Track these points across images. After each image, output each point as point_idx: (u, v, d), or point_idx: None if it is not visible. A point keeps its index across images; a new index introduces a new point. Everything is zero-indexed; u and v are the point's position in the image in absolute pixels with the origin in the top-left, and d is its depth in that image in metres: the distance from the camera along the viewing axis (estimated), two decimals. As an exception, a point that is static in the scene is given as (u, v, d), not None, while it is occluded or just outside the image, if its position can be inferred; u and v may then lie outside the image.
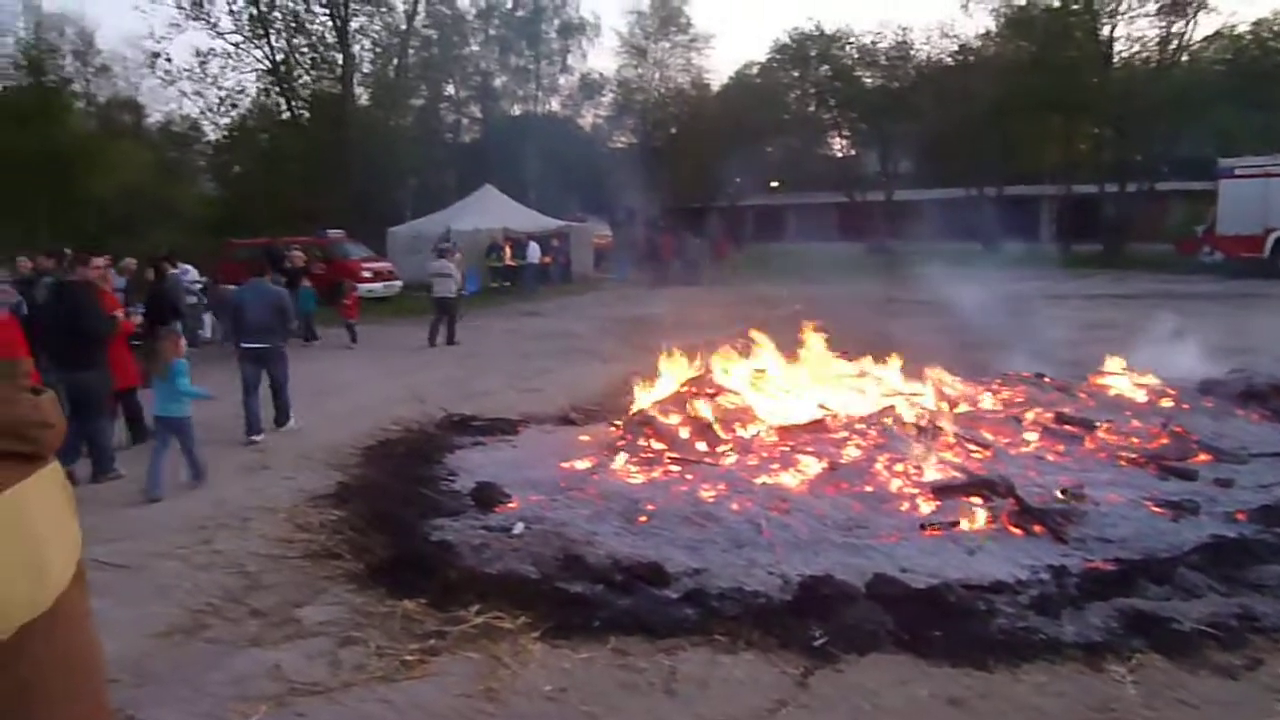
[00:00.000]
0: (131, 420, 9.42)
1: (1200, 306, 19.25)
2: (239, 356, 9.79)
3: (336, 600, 5.23)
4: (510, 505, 6.68)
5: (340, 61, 33.42)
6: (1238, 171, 26.67)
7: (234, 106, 34.29)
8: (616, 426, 8.33)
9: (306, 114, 34.33)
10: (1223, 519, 6.03)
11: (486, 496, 6.78)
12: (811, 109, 50.06)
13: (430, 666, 4.39)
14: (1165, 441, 7.69)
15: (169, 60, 33.12)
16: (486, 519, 6.44)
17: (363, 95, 36.79)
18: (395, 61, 36.94)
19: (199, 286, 17.87)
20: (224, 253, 23.70)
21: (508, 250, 28.18)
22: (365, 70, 36.50)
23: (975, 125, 37.17)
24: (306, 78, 33.94)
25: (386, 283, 24.24)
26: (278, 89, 33.56)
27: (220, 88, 33.12)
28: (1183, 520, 5.99)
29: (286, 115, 34.51)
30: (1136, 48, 37.27)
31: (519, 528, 6.14)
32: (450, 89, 45.96)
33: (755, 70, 51.54)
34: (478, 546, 5.86)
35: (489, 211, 29.88)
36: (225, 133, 38.11)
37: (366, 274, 23.25)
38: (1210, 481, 6.77)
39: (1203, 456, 7.37)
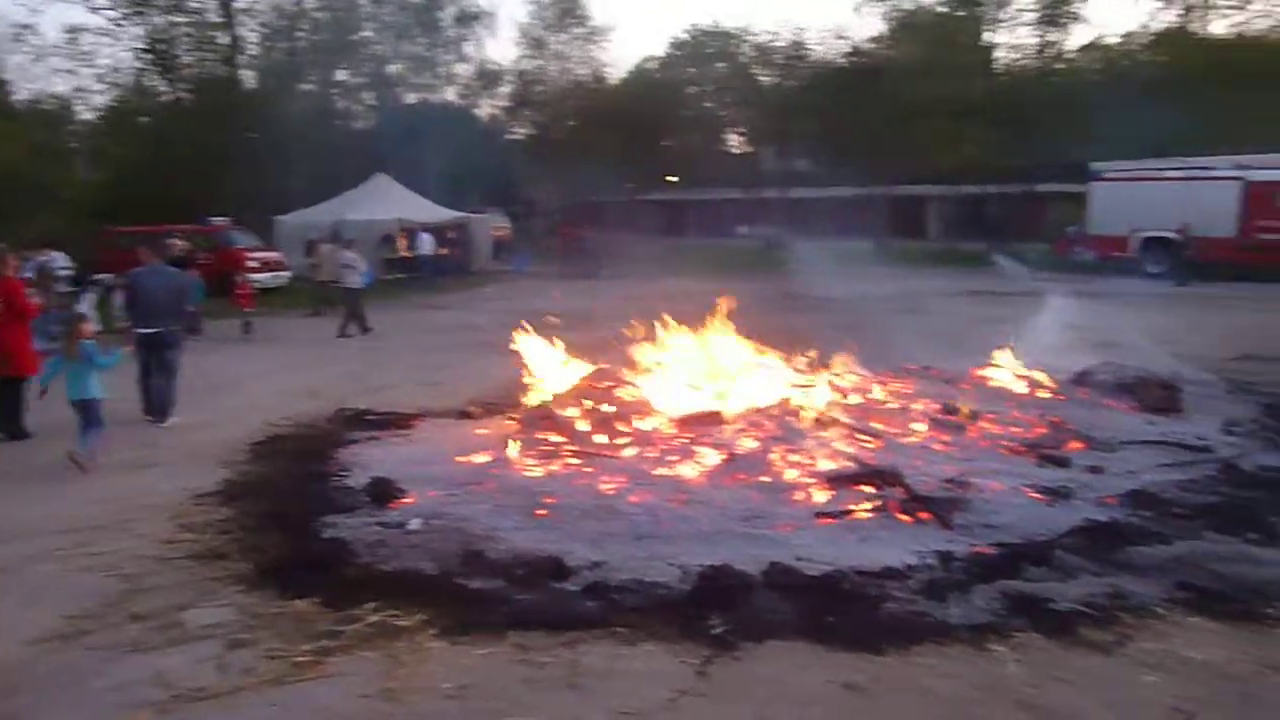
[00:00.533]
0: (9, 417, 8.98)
1: (1073, 303, 20.24)
2: (135, 342, 9.51)
3: (224, 602, 5.05)
4: (407, 501, 6.56)
5: (226, 43, 32.14)
6: (1108, 175, 28.10)
7: (114, 86, 32.65)
8: (516, 420, 8.27)
9: (190, 97, 32.91)
10: (1095, 504, 6.35)
11: (382, 492, 6.63)
12: (710, 105, 50.62)
13: (325, 667, 4.28)
14: (1043, 431, 8.06)
15: (38, 35, 31.34)
16: (382, 515, 6.30)
17: (250, 79, 35.50)
18: (285, 45, 35.74)
19: (68, 273, 17.01)
20: (103, 239, 22.58)
21: (402, 241, 27.62)
22: (253, 53, 35.23)
23: (868, 126, 38.17)
24: (189, 59, 32.53)
25: (274, 273, 23.48)
26: (158, 70, 32.06)
27: (94, 66, 31.49)
28: (1059, 505, 6.29)
29: (169, 98, 33.02)
30: (1018, 55, 39.00)
31: (416, 523, 6.04)
32: (343, 75, 44.70)
33: (654, 65, 51.80)
34: (373, 544, 5.73)
35: (383, 201, 29.20)
36: (102, 114, 36.26)
37: (253, 264, 22.44)
38: (1084, 468, 7.13)
39: (1076, 445, 7.74)
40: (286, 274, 23.83)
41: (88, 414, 8.02)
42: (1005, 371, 9.82)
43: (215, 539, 5.99)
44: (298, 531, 6.01)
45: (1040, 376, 9.65)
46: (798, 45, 45.97)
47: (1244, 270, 24.69)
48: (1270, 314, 17.91)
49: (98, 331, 9.63)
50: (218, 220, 24.45)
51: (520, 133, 52.52)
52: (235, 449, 8.39)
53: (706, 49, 48.49)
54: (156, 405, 9.59)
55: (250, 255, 23.00)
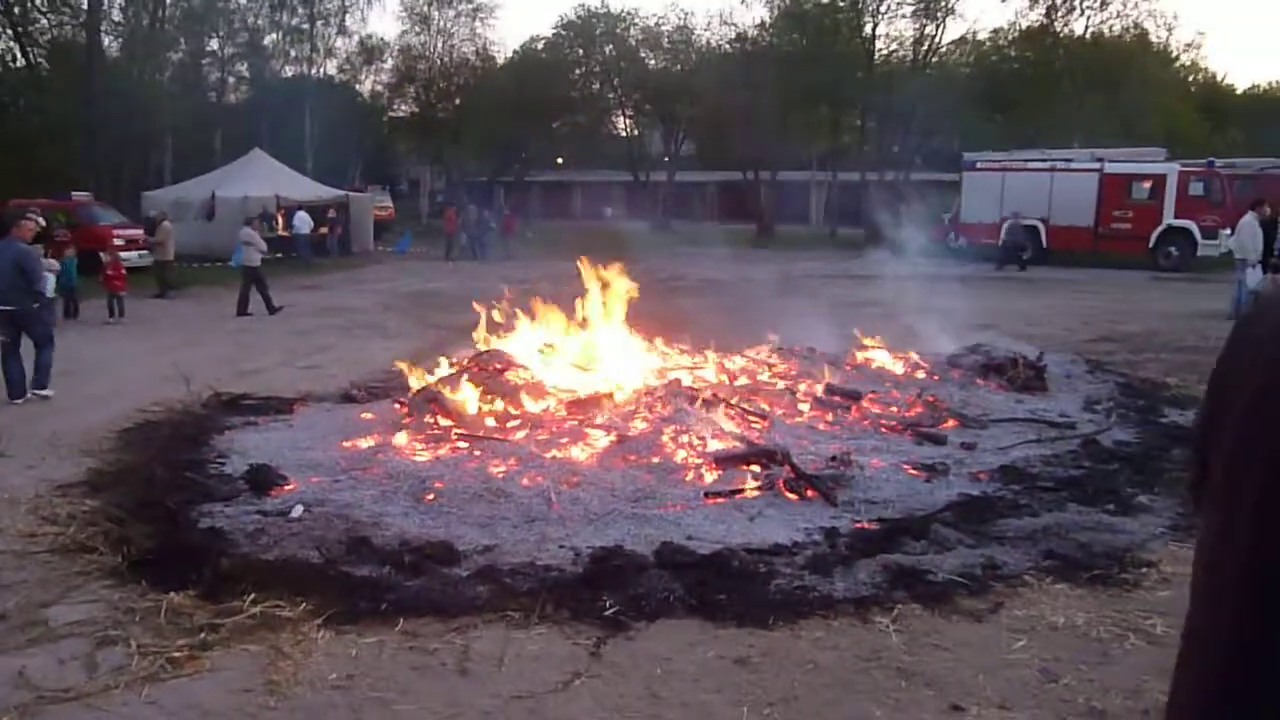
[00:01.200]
0: None
1: (947, 287, 21.09)
2: None
3: (91, 597, 4.78)
4: (288, 488, 6.35)
5: (84, 6, 30.20)
6: (979, 165, 29.34)
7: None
8: (402, 404, 8.09)
9: (45, 63, 30.83)
10: (969, 479, 6.65)
11: (261, 479, 6.40)
12: (597, 87, 50.46)
13: (202, 662, 4.10)
14: (920, 410, 8.38)
15: None
16: (262, 503, 6.08)
17: (113, 46, 33.49)
18: (151, 10, 33.80)
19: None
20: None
21: (279, 219, 26.63)
22: (115, 18, 33.24)
23: (753, 112, 38.76)
24: (44, 21, 30.46)
25: (141, 251, 22.27)
26: (9, 33, 29.92)
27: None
28: (935, 481, 6.56)
29: (22, 64, 30.85)
30: (895, 46, 40.24)
31: (298, 511, 5.85)
32: (214, 44, 42.66)
33: (541, 45, 51.27)
34: (253, 533, 5.52)
35: (259, 177, 28.09)
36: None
37: (119, 241, 21.20)
38: (958, 445, 7.45)
39: (951, 423, 8.08)
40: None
41: None
42: (884, 353, 10.15)
43: (80, 531, 5.66)
44: (171, 522, 5.73)
45: (917, 358, 10.03)
46: (684, 29, 46.32)
47: (1100, 258, 26.22)
48: (1124, 299, 19.06)
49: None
50: (79, 195, 23.03)
51: (404, 110, 51.25)
52: (101, 437, 7.94)
53: (594, 30, 48.25)
54: (16, 382, 9.35)
55: (116, 233, 21.74)
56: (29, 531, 5.71)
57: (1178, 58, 43.80)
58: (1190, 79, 47.71)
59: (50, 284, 13.91)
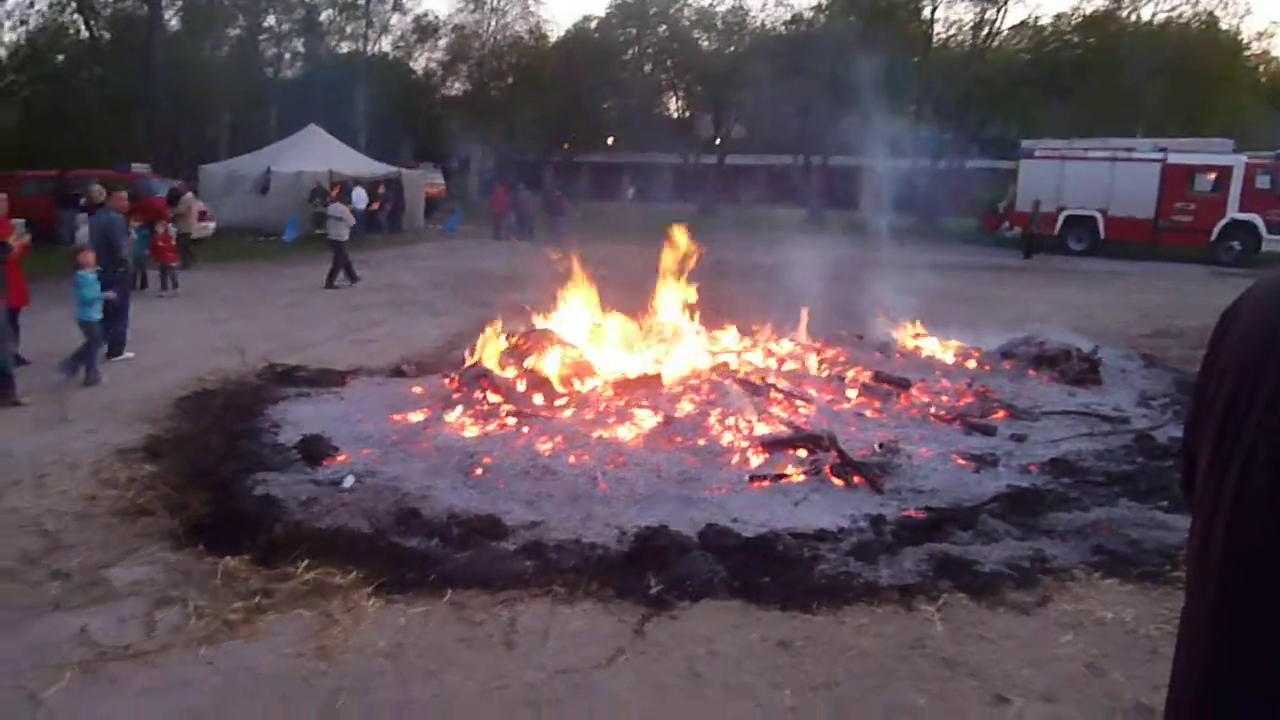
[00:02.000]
0: None
1: (999, 277, 20.76)
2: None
3: (150, 560, 4.93)
4: (340, 459, 6.46)
5: (147, -19, 30.76)
6: (1037, 153, 28.74)
7: (23, 23, 30.99)
8: (451, 379, 8.18)
9: (107, 37, 31.44)
10: (1018, 470, 6.57)
11: (314, 450, 6.52)
12: (648, 68, 50.21)
13: (256, 626, 4.21)
14: (970, 400, 8.28)
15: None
16: (314, 473, 6.20)
17: (173, 20, 34.06)
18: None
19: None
20: (6, 185, 21.49)
21: (334, 195, 26.92)
22: (175, -6, 33.80)
23: (806, 95, 38.32)
24: (107, -4, 31.09)
25: (200, 223, 22.68)
26: (74, 6, 30.54)
27: (3, 1, 29.87)
28: (984, 472, 6.49)
29: (85, 37, 31.50)
30: (954, 30, 39.49)
31: (349, 482, 5.95)
32: (271, 20, 43.18)
33: (594, 25, 51.10)
34: (305, 501, 5.63)
35: (313, 153, 28.40)
36: (12, 52, 34.43)
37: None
38: (1007, 437, 7.35)
39: (1001, 414, 7.98)
40: (211, 225, 23.03)
41: (85, 333, 9.00)
42: (934, 341, 10.04)
43: (140, 495, 5.83)
44: (227, 488, 5.88)
45: (967, 347, 9.90)
46: (739, 10, 45.85)
47: (1158, 250, 25.60)
48: (1181, 294, 18.61)
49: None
50: (138, 167, 23.50)
51: (456, 89, 51.49)
52: (158, 405, 8.14)
53: (648, 10, 47.96)
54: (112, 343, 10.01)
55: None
56: (90, 494, 5.88)
57: (1248, 46, 42.49)
58: (1261, 69, 46.25)
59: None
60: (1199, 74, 35.23)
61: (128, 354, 10.17)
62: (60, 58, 33.53)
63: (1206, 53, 36.14)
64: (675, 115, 51.57)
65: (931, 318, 10.79)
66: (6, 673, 3.81)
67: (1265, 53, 45.65)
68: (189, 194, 19.46)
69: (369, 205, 27.53)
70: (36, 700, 3.62)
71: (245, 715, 3.56)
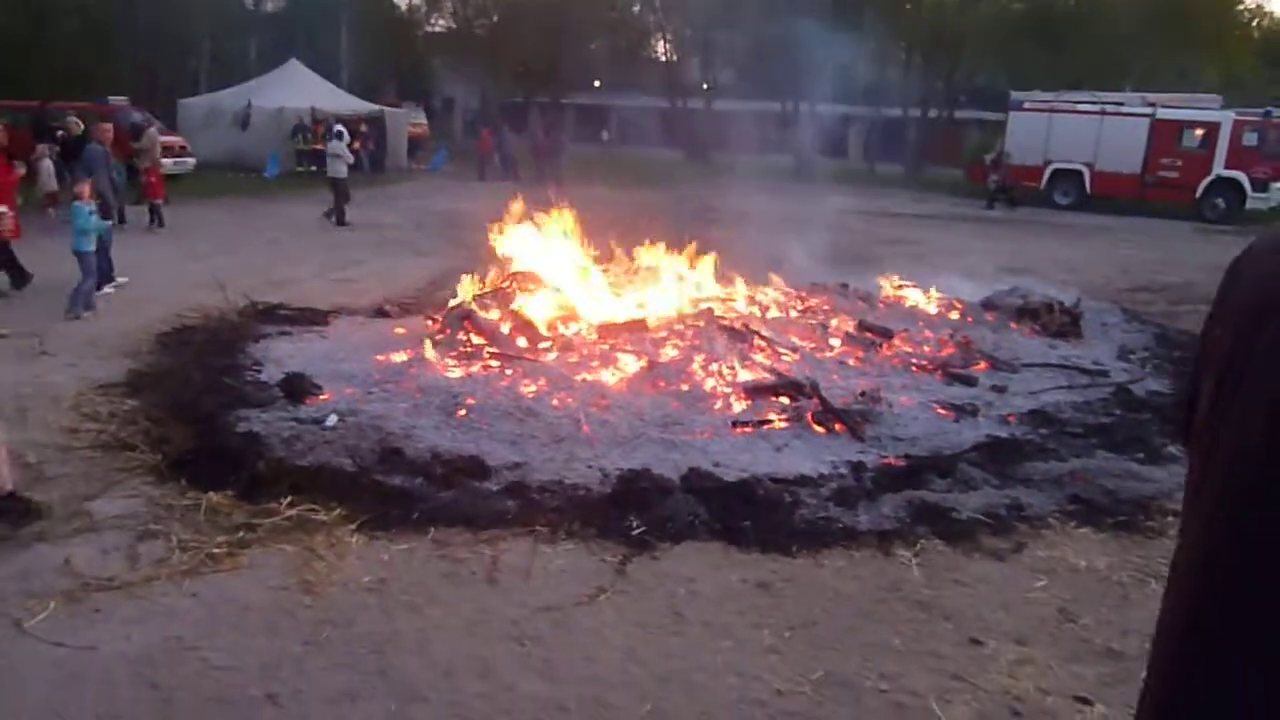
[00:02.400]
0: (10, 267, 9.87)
1: (985, 229, 20.77)
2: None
3: (132, 493, 4.93)
4: (323, 397, 6.45)
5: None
6: (1026, 105, 28.55)
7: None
8: (435, 320, 8.14)
9: (81, -38, 30.52)
10: (998, 421, 6.64)
11: (296, 387, 6.50)
12: (636, 9, 49.36)
13: (240, 559, 4.24)
14: (952, 351, 8.33)
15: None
16: (297, 411, 6.19)
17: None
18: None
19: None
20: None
21: (317, 132, 26.49)
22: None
23: (794, 41, 37.83)
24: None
25: (178, 159, 22.29)
26: (47, -70, 29.57)
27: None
28: (964, 421, 6.56)
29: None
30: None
31: (332, 420, 5.95)
32: (251, -51, 41.99)
33: (582, -38, 49.99)
34: (288, 438, 5.64)
35: (295, 89, 27.85)
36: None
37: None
38: (988, 387, 7.42)
39: (983, 365, 8.04)
40: (191, 161, 22.64)
41: (81, 265, 9.16)
42: (918, 292, 10.07)
43: (121, 429, 5.81)
44: (209, 424, 5.86)
45: (950, 298, 9.94)
46: (729, -49, 44.96)
47: (1144, 206, 25.64)
48: (1165, 249, 18.69)
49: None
50: (116, 100, 23.01)
51: (440, 26, 50.43)
52: (139, 339, 8.08)
53: (636, -51, 47.03)
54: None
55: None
56: (71, 427, 5.86)
57: (1242, 0, 42.14)
58: (1255, 24, 45.95)
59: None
60: (1192, 27, 34.98)
61: (120, 280, 10.33)
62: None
63: (1200, 6, 35.83)
64: (663, 59, 50.82)
65: (909, 268, 10.80)
66: (-10, 602, 3.83)
67: (1259, 7, 45.35)
68: (152, 129, 18.40)
69: (350, 144, 27.10)
70: (21, 629, 3.64)
71: (230, 645, 3.59)
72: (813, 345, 8.06)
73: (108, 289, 10.00)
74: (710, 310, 8.11)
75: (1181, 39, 34.33)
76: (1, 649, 3.51)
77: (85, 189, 9.50)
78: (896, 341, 8.34)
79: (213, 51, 35.07)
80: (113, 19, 28.44)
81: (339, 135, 17.91)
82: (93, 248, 9.25)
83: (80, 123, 17.82)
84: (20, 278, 9.98)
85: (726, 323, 7.85)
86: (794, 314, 8.86)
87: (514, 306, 7.82)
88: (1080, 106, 27.49)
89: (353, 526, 4.56)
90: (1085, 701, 3.38)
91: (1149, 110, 26.29)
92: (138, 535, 4.44)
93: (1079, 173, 26.91)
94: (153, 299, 9.78)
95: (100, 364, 7.29)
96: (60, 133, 17.14)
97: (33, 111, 21.28)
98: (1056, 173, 27.20)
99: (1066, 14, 37.34)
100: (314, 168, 25.94)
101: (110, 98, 23.24)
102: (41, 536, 4.40)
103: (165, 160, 21.16)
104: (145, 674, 3.40)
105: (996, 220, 22.84)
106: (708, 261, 9.32)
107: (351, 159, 17.94)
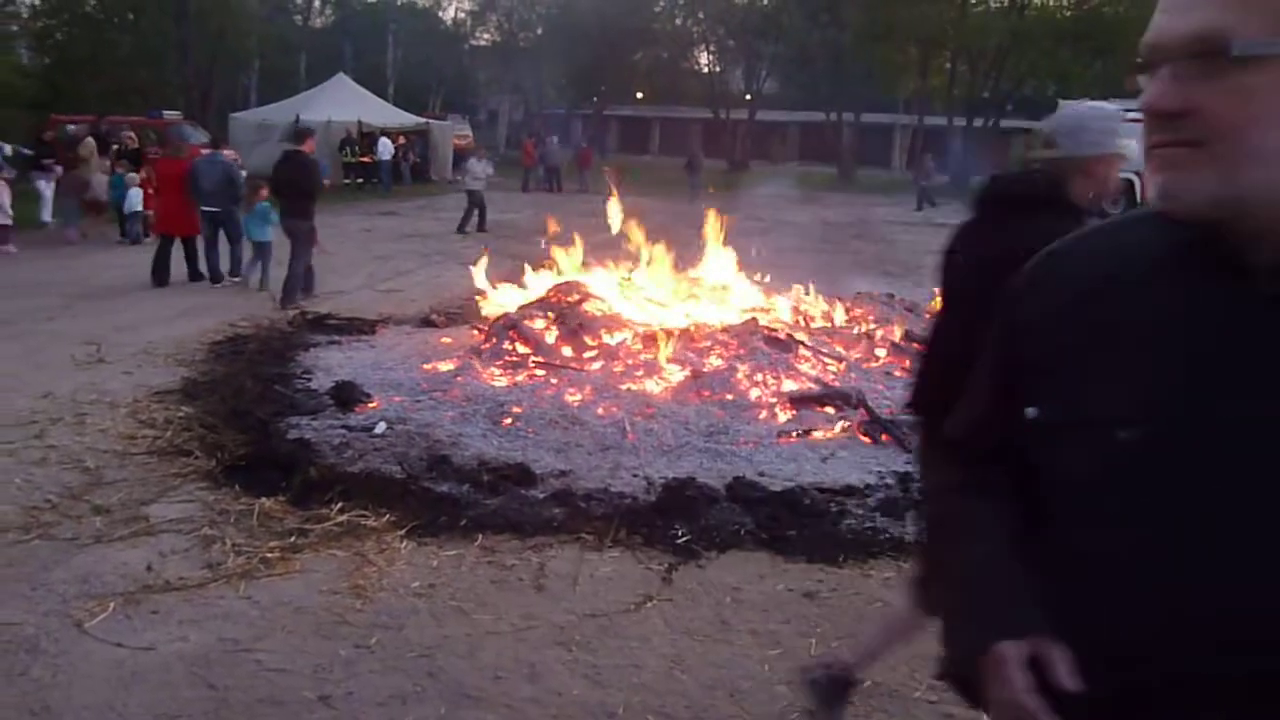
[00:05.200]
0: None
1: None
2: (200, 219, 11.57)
3: (188, 498, 5.03)
4: (371, 405, 6.54)
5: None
6: (1073, 113, 28.19)
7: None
8: (480, 330, 8.23)
9: (138, -19, 31.38)
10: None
11: (346, 396, 6.60)
12: (680, 21, 49.57)
13: (293, 564, 4.31)
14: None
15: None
16: (347, 418, 6.28)
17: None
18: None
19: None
20: (46, 130, 21.59)
21: (364, 145, 26.93)
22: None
23: (839, 50, 37.73)
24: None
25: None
26: (104, -51, 30.49)
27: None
28: (1013, 433, 6.46)
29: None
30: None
31: (381, 427, 6.03)
32: (301, -33, 42.90)
33: (624, -25, 50.34)
34: (338, 445, 5.73)
35: (342, 103, 28.37)
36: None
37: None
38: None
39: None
40: (243, 172, 23.05)
41: (263, 253, 11.34)
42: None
43: (177, 435, 5.94)
44: (262, 431, 5.97)
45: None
46: (772, -39, 45.00)
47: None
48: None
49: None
50: (169, 114, 23.57)
51: (485, 39, 51.07)
52: (193, 348, 8.26)
53: (679, -39, 47.26)
54: (215, 268, 11.72)
55: (202, 152, 22.24)
56: (129, 433, 6.00)
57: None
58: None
59: (137, 198, 14.44)
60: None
61: (239, 278, 11.68)
62: (93, 1, 33.50)
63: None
64: (706, 69, 50.95)
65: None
66: (54, 601, 3.93)
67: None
68: (89, 139, 16.90)
69: (398, 156, 27.52)
70: (82, 629, 3.73)
71: (284, 647, 3.65)
72: (859, 355, 8.01)
73: (235, 279, 11.66)
74: (755, 319, 8.09)
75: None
76: (62, 649, 3.60)
77: (265, 190, 11.34)
78: (943, 351, 8.25)
79: (263, 67, 35.81)
80: (167, 34, 29.14)
81: (478, 156, 20.14)
82: (270, 237, 11.18)
83: (135, 136, 18.33)
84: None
85: (771, 332, 7.82)
86: (839, 323, 8.81)
87: (559, 315, 7.86)
88: (1129, 114, 27.02)
89: (402, 532, 4.62)
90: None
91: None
92: (194, 539, 4.54)
93: (1129, 181, 26.49)
94: (206, 308, 9.99)
95: (156, 372, 7.46)
96: (115, 145, 17.58)
97: (90, 125, 21.87)
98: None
99: (1115, 20, 36.78)
100: (360, 180, 26.39)
101: (164, 112, 23.78)
102: (100, 539, 4.51)
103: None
104: (201, 674, 3.47)
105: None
106: (751, 271, 9.32)
107: (485, 174, 19.29)
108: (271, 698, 3.36)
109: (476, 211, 18.50)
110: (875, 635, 3.25)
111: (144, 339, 8.59)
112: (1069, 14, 38.61)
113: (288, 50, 36.95)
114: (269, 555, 4.35)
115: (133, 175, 15.11)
